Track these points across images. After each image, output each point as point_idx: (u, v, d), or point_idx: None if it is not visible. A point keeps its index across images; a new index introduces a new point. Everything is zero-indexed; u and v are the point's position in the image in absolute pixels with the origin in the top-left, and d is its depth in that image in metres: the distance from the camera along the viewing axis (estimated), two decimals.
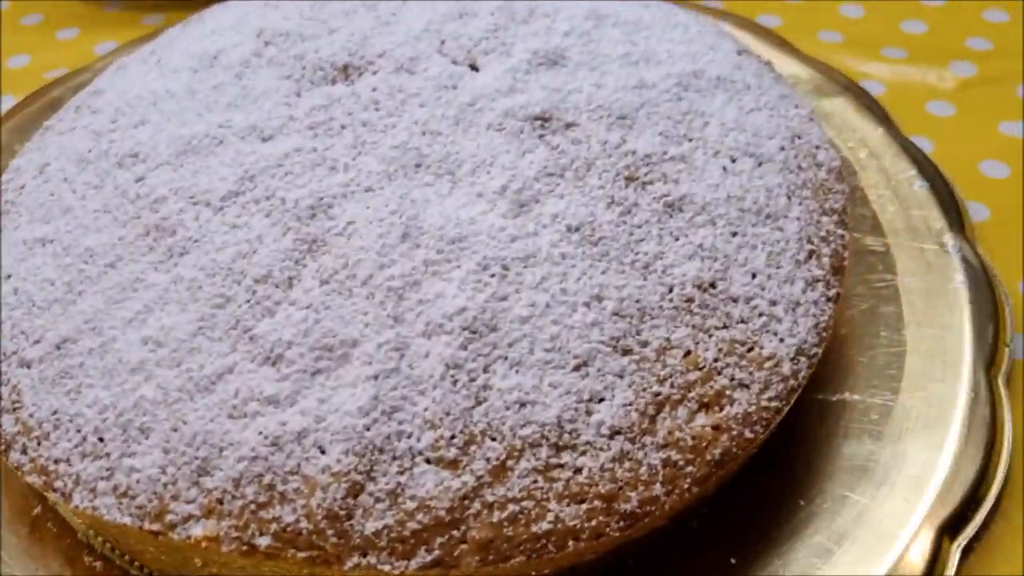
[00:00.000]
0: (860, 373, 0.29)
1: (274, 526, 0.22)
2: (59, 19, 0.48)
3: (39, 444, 0.25)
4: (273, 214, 0.26)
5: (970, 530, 0.25)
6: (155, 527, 0.23)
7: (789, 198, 0.28)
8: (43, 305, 0.27)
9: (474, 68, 0.30)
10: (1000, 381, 0.28)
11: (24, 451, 0.25)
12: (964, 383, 0.28)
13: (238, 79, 0.31)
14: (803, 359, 0.25)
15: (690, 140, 0.28)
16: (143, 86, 0.32)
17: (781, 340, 0.25)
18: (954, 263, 0.32)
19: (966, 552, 0.25)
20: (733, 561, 0.25)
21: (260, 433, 0.22)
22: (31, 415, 0.25)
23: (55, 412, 0.25)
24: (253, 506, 0.22)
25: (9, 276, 0.28)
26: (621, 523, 0.22)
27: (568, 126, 0.28)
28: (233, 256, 0.25)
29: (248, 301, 0.25)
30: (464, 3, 0.32)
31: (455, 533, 0.22)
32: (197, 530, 0.22)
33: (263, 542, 0.22)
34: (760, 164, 0.28)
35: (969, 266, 0.31)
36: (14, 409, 0.25)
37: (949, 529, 0.25)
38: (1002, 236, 0.34)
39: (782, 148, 0.29)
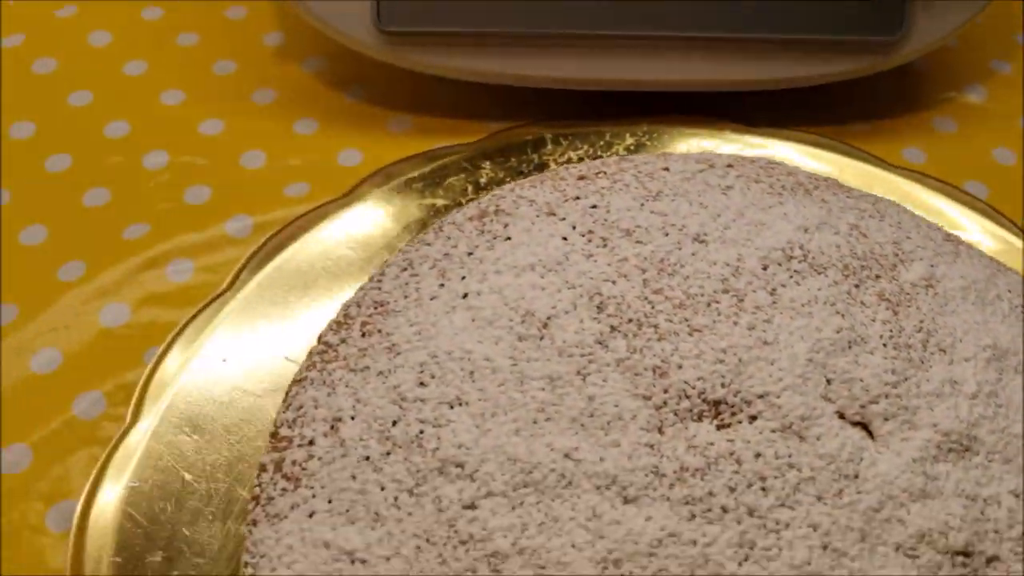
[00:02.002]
0: None
1: None
2: (293, 103, 0.43)
3: None
4: None
5: None
6: None
7: None
8: None
9: (867, 430, 0.26)
10: None
11: None
12: None
13: (581, 380, 0.27)
14: None
15: None
16: (451, 334, 0.28)
17: None
18: None
19: None
20: None
21: None
22: None
23: None
24: None
25: None
26: None
27: (989, 561, 0.24)
28: None
29: None
30: (849, 320, 0.27)
31: None
32: None
33: None
34: None
35: None
36: None
37: None
38: None
39: None
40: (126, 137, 0.41)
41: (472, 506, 0.25)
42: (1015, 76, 0.44)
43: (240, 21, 0.46)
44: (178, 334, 0.33)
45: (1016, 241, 0.37)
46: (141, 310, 0.35)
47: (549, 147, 0.40)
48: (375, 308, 0.31)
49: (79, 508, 0.29)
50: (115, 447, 0.31)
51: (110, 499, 0.30)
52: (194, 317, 0.34)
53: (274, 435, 0.29)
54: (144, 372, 0.32)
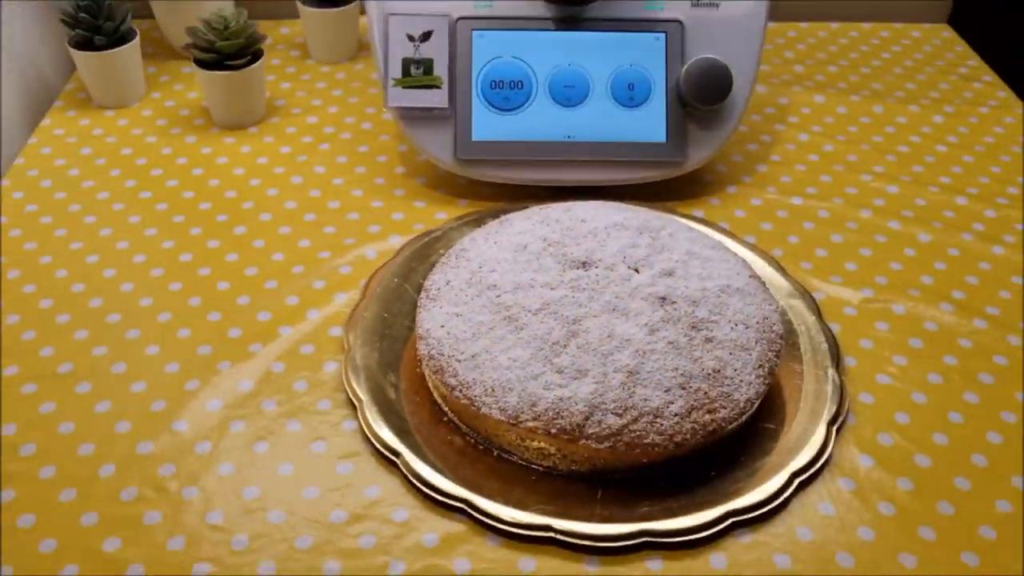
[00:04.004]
0: (775, 414, 0.71)
1: (559, 424, 0.65)
2: (414, 196, 0.93)
3: (466, 389, 0.68)
4: (560, 320, 0.70)
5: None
6: (513, 422, 0.66)
7: (756, 342, 0.70)
8: (462, 339, 0.70)
9: (636, 271, 0.74)
10: (833, 429, 0.71)
11: (460, 392, 0.68)
12: (823, 421, 0.70)
13: (537, 260, 0.75)
14: (750, 404, 0.68)
15: (720, 314, 0.71)
16: (491, 253, 0.77)
17: (743, 395, 0.67)
18: (829, 380, 0.74)
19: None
20: (713, 473, 0.68)
21: (557, 397, 0.66)
22: (463, 380, 0.68)
23: (473, 379, 0.68)
24: (552, 417, 0.65)
25: (443, 326, 0.72)
26: (672, 445, 0.65)
27: (673, 303, 0.71)
28: (544, 333, 0.69)
29: (552, 349, 0.68)
30: (634, 239, 0.76)
31: (618, 437, 0.65)
32: (530, 424, 0.65)
33: (553, 430, 0.65)
34: (747, 328, 0.71)
35: (835, 384, 0.74)
36: (455, 375, 0.69)
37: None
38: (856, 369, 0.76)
39: (758, 322, 0.72)
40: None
41: (500, 296, 0.73)
42: (752, 186, 0.95)
43: (383, 163, 0.97)
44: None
45: (735, 244, 0.85)
46: None
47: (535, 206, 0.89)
48: (461, 251, 0.79)
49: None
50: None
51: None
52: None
53: (422, 288, 0.77)
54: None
